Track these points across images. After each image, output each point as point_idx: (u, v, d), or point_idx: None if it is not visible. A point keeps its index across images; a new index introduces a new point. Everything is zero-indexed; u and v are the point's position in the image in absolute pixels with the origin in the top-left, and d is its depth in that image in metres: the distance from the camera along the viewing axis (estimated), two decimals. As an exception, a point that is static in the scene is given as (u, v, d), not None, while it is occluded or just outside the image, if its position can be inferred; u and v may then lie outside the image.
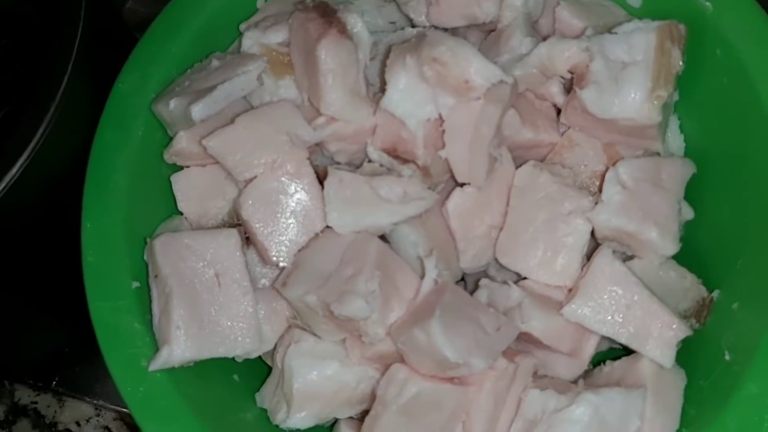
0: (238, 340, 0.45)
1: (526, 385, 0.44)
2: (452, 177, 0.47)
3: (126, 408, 0.44)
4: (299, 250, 0.46)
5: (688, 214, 0.49)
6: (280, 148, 0.46)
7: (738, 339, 0.44)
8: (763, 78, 0.47)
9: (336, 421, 0.48)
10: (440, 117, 0.45)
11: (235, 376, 0.50)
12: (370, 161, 0.48)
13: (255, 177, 0.46)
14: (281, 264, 0.46)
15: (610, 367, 0.46)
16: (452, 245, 0.48)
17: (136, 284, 0.46)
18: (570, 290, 0.46)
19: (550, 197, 0.47)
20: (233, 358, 0.46)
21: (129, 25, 0.65)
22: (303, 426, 0.46)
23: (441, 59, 0.44)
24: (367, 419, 0.43)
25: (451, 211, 0.47)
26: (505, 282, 0.46)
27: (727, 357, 0.44)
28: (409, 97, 0.45)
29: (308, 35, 0.47)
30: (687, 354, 0.45)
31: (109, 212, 0.47)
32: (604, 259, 0.45)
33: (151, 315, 0.46)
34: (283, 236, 0.46)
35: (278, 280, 0.46)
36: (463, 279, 0.52)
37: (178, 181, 0.50)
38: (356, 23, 0.47)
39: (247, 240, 0.47)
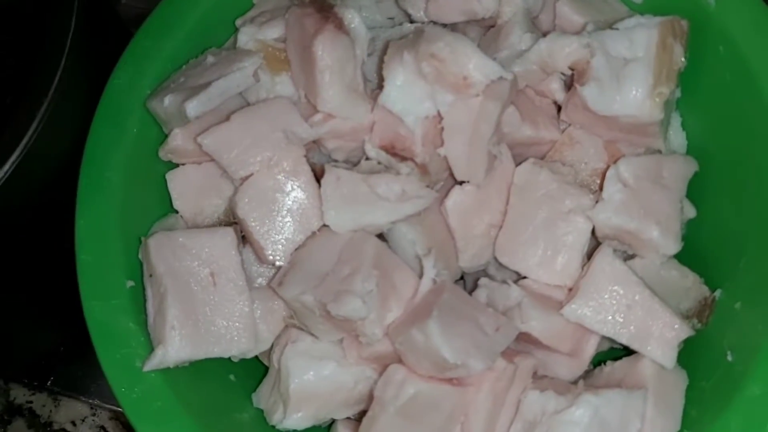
0: (234, 340, 0.44)
1: (526, 386, 0.44)
2: (451, 175, 0.47)
3: (121, 407, 0.44)
4: (296, 249, 0.46)
5: (690, 212, 0.49)
6: (277, 145, 0.46)
7: (740, 339, 0.44)
8: (766, 74, 0.47)
9: (333, 421, 0.48)
10: (439, 114, 0.45)
11: (232, 377, 0.49)
12: (367, 159, 0.47)
13: (251, 175, 0.46)
14: (277, 263, 0.46)
15: (610, 368, 0.46)
16: (451, 244, 0.47)
17: (130, 283, 0.46)
18: (570, 290, 0.45)
19: (550, 195, 0.46)
20: (229, 358, 0.46)
21: (124, 20, 0.65)
22: (300, 427, 0.46)
23: (439, 55, 0.44)
24: (365, 420, 0.42)
25: (449, 209, 0.47)
26: (504, 281, 0.46)
27: (729, 357, 0.44)
28: (407, 93, 0.45)
29: (305, 31, 0.46)
30: (689, 354, 0.45)
31: (104, 210, 0.47)
32: (604, 258, 0.44)
33: (146, 314, 0.45)
34: (279, 235, 0.46)
35: (274, 280, 0.46)
36: (462, 278, 0.51)
37: (174, 179, 0.49)
38: (353, 18, 0.47)
39: (243, 239, 0.47)
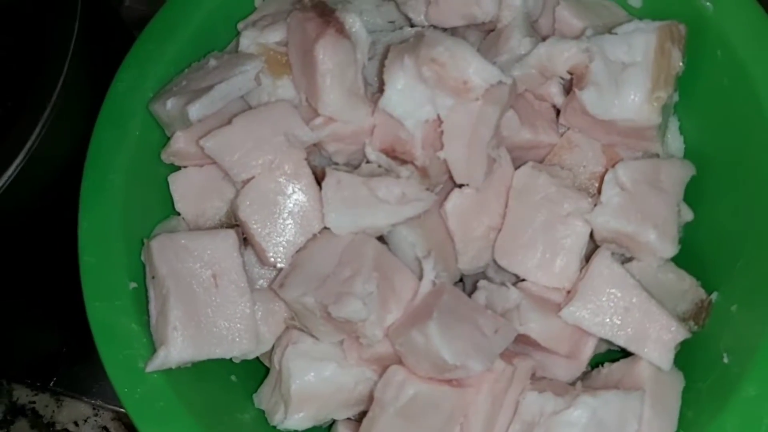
0: (236, 341, 0.45)
1: (524, 387, 0.44)
2: (451, 178, 0.47)
3: (124, 408, 0.44)
4: (297, 251, 0.46)
5: (687, 215, 0.49)
6: (278, 148, 0.46)
7: (736, 341, 0.44)
8: (764, 79, 0.47)
9: (333, 422, 0.48)
10: (438, 118, 0.45)
11: (233, 377, 0.49)
12: (368, 162, 0.47)
13: (252, 178, 0.46)
14: (279, 265, 0.46)
15: (608, 370, 0.46)
16: (450, 246, 0.48)
17: (133, 285, 0.46)
18: (568, 292, 0.46)
19: (549, 198, 0.46)
20: (231, 359, 0.46)
21: (126, 23, 0.65)
22: (300, 427, 0.46)
23: (439, 60, 0.44)
24: (365, 421, 0.43)
25: (449, 212, 0.47)
26: (503, 283, 0.46)
27: (725, 359, 0.44)
28: (408, 97, 0.45)
29: (306, 35, 0.47)
30: (685, 356, 0.45)
31: (106, 212, 0.47)
32: (602, 261, 0.45)
33: (149, 316, 0.46)
34: (280, 237, 0.46)
35: (276, 281, 0.46)
36: (461, 280, 0.52)
37: (176, 182, 0.50)
38: (354, 23, 0.47)
39: (245, 241, 0.47)
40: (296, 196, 0.46)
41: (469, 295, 0.47)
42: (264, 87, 0.49)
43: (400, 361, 0.43)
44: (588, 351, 0.46)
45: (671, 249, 0.46)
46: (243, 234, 0.47)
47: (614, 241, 0.46)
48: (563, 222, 0.46)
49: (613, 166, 0.47)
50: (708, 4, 0.49)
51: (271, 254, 0.46)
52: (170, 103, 0.47)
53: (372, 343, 0.44)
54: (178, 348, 0.43)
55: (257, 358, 0.48)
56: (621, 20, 0.50)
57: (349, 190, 0.45)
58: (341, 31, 0.47)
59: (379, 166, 0.47)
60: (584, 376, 0.47)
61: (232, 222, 0.49)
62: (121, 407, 0.61)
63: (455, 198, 0.47)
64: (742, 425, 0.41)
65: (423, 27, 0.52)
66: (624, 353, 0.46)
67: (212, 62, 0.50)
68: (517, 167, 0.48)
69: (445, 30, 0.51)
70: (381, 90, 0.46)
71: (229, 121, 0.46)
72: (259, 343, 0.46)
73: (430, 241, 0.47)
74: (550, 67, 0.47)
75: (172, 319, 0.44)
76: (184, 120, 0.47)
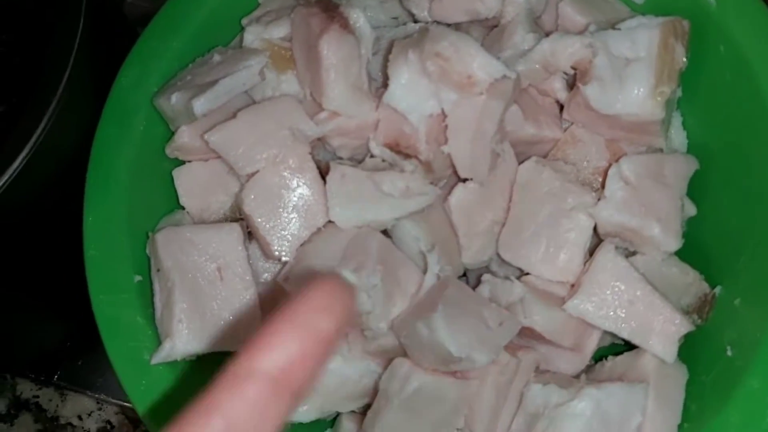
0: (240, 334, 0.45)
1: (528, 380, 0.44)
2: (454, 172, 0.47)
3: (128, 402, 0.44)
4: (301, 245, 0.46)
5: (691, 210, 0.49)
6: (282, 142, 0.46)
7: (740, 335, 0.44)
8: (767, 74, 0.47)
9: (338, 414, 0.48)
10: (443, 112, 0.45)
11: (237, 371, 0.49)
12: (372, 156, 0.48)
13: (257, 172, 0.46)
14: (283, 259, 0.46)
15: (612, 362, 0.46)
16: (454, 240, 0.48)
17: (138, 278, 0.46)
18: (572, 286, 0.46)
19: (553, 193, 0.47)
20: (236, 352, 0.46)
21: (130, 19, 0.65)
22: (305, 419, 0.46)
23: (444, 54, 0.44)
24: (370, 413, 0.43)
25: (453, 206, 0.47)
26: (507, 277, 0.46)
27: (728, 352, 0.44)
28: (412, 92, 0.45)
29: (310, 30, 0.47)
30: (689, 349, 0.45)
31: (111, 206, 0.47)
32: (606, 254, 0.45)
33: (154, 308, 0.46)
34: (285, 231, 0.46)
35: (280, 275, 0.46)
36: (465, 274, 0.52)
37: (180, 176, 0.50)
38: (358, 18, 0.47)
39: (249, 235, 0.47)
40: (301, 190, 0.46)
41: (473, 289, 0.47)
42: (268, 82, 0.49)
43: (404, 354, 0.43)
44: (592, 344, 0.46)
45: (675, 243, 0.46)
46: (248, 228, 0.47)
47: (618, 235, 0.46)
48: (567, 216, 0.46)
49: (616, 160, 0.47)
50: (711, -1, 0.49)
51: (275, 248, 0.46)
52: (175, 98, 0.47)
53: (376, 336, 0.44)
54: (183, 340, 0.43)
55: (261, 351, 0.48)
56: (624, 16, 0.50)
57: (353, 184, 0.45)
58: (345, 26, 0.47)
59: (383, 161, 0.47)
60: (588, 369, 0.47)
61: (237, 216, 0.49)
62: (126, 401, 0.61)
63: (459, 192, 0.47)
64: (746, 418, 0.41)
65: (426, 23, 0.52)
66: (628, 346, 0.46)
67: (216, 57, 0.50)
68: (520, 162, 0.48)
69: (448, 26, 0.51)
70: (385, 85, 0.46)
71: (234, 116, 0.46)
72: (263, 337, 0.46)
73: (434, 235, 0.47)
74: (553, 62, 0.47)
75: (177, 311, 0.44)
76: (188, 114, 0.47)
